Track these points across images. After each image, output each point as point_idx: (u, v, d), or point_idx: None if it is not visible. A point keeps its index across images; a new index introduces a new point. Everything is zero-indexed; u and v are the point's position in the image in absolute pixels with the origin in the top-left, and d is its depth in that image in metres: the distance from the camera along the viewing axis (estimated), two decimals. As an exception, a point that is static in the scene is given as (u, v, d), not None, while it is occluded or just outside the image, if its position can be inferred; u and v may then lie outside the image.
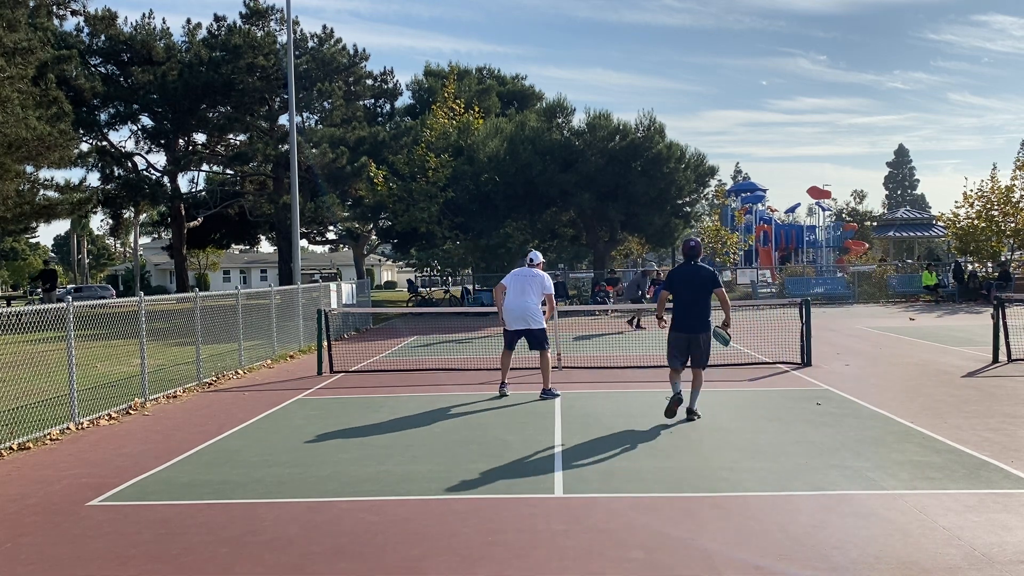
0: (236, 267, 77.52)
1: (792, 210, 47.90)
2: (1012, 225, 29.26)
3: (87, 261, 71.38)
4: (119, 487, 6.07)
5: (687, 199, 30.47)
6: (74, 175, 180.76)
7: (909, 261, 39.69)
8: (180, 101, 34.85)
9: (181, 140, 38.99)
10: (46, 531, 5.12)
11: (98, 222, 73.38)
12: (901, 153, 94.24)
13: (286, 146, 32.26)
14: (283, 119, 38.55)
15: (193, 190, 42.37)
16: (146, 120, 38.12)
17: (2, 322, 7.81)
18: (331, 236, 48.24)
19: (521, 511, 5.26)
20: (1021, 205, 29.26)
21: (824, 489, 5.62)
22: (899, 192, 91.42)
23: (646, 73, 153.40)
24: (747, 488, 5.67)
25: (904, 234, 42.10)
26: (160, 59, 35.96)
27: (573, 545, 4.63)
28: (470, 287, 31.44)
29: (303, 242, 46.39)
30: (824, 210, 44.06)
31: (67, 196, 26.93)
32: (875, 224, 50.09)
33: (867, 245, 42.86)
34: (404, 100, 42.71)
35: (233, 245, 52.29)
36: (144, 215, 53.45)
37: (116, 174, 37.26)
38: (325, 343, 12.40)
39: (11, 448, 7.38)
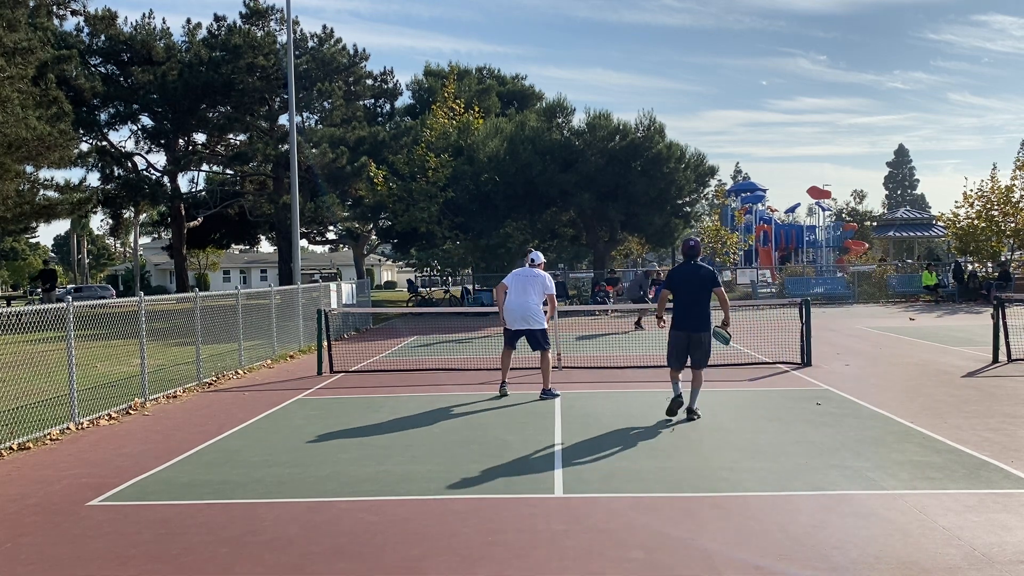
0: (236, 267, 77.54)
1: (792, 210, 47.90)
2: (1012, 225, 29.25)
3: (87, 261, 71.37)
4: (119, 487, 6.08)
5: (687, 199, 30.46)
6: (74, 175, 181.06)
7: (909, 261, 39.69)
8: (180, 101, 34.85)
9: (181, 140, 38.99)
10: (46, 531, 5.12)
11: (98, 222, 73.55)
12: (901, 153, 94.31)
13: (286, 146, 32.25)
14: (283, 119, 38.62)
15: (193, 190, 42.40)
16: (146, 120, 38.18)
17: (2, 322, 7.81)
18: (331, 236, 48.26)
19: (521, 511, 5.26)
20: (1021, 205, 29.25)
21: (824, 489, 5.62)
22: (899, 192, 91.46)
23: (646, 73, 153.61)
24: (747, 488, 5.67)
25: (904, 234, 42.11)
26: (160, 59, 35.95)
27: (573, 545, 4.63)
28: (470, 287, 31.40)
29: (303, 242, 46.43)
30: (824, 210, 44.06)
31: (67, 196, 26.94)
32: (875, 224, 50.09)
33: (867, 245, 42.84)
34: (404, 100, 42.83)
35: (233, 245, 52.31)
36: (144, 215, 53.46)
37: (116, 174, 37.27)
38: (325, 343, 12.40)
39: (11, 448, 7.38)
